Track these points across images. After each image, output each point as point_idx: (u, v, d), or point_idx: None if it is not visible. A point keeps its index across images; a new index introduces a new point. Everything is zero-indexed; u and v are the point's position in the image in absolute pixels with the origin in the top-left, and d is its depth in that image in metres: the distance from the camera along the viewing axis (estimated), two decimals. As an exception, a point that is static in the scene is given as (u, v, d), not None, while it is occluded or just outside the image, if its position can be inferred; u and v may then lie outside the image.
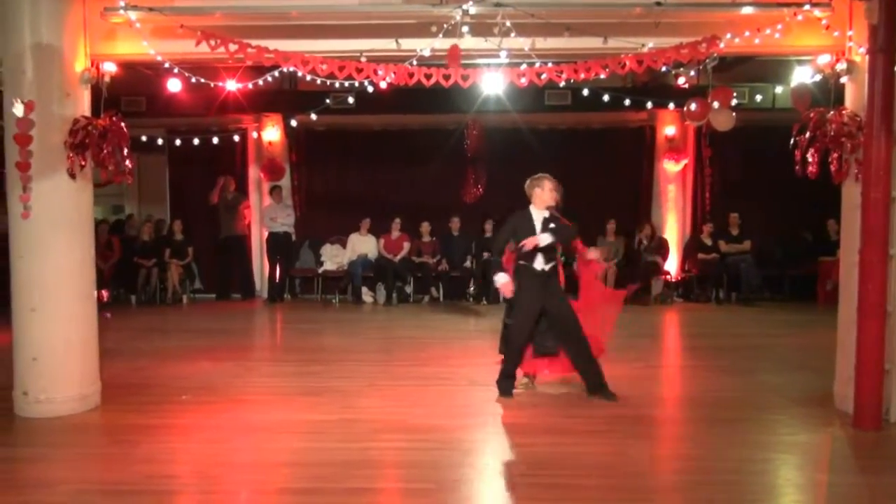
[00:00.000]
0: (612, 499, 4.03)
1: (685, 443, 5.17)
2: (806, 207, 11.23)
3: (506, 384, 6.05)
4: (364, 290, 11.95)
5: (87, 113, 5.68)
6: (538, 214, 5.96)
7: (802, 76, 7.01)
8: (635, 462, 4.60)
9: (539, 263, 5.89)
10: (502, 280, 5.91)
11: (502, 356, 6.15)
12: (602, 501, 4.00)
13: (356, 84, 5.97)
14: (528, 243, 5.81)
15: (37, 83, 5.41)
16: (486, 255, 11.74)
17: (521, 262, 5.93)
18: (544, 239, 5.83)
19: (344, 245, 12.26)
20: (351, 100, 6.76)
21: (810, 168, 5.54)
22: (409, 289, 12.10)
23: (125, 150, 5.64)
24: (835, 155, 5.48)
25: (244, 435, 5.14)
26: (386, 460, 4.74)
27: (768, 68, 10.54)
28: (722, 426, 5.28)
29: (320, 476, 4.34)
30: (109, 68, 5.84)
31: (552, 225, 5.91)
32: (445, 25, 5.56)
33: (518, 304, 5.97)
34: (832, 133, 5.42)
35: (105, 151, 5.48)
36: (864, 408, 5.13)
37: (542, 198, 5.95)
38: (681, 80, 8.39)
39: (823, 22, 5.56)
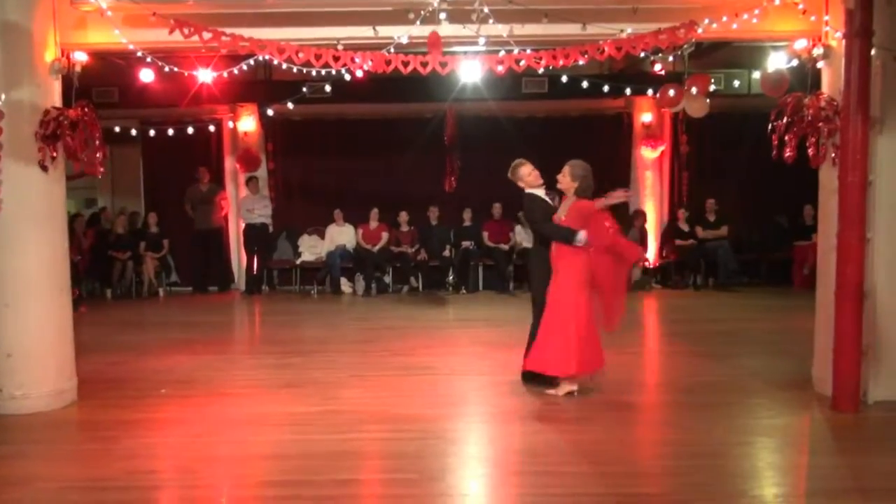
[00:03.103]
0: (596, 485, 4.03)
1: (667, 428, 5.19)
2: (782, 193, 11.33)
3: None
4: (343, 280, 11.87)
5: (58, 104, 5.56)
6: (541, 193, 5.96)
7: (776, 62, 7.04)
8: (618, 448, 4.63)
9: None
10: (583, 236, 5.54)
11: None
12: (586, 488, 4.00)
13: (332, 73, 5.90)
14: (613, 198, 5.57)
15: (5, 74, 5.28)
16: (464, 244, 11.75)
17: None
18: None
19: (322, 236, 12.17)
20: (328, 88, 6.69)
21: (787, 153, 5.56)
22: (388, 279, 12.05)
23: (97, 142, 5.54)
24: (812, 139, 5.51)
25: (225, 428, 5.09)
26: (369, 451, 4.72)
27: (744, 54, 10.60)
28: (703, 410, 5.32)
29: (303, 468, 4.31)
30: (80, 58, 5.72)
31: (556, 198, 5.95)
32: (423, 12, 5.51)
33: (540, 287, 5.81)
34: (809, 118, 5.44)
35: (76, 142, 5.37)
36: (842, 390, 5.18)
37: (530, 182, 5.94)
38: (657, 67, 8.39)
39: (800, 6, 5.57)
